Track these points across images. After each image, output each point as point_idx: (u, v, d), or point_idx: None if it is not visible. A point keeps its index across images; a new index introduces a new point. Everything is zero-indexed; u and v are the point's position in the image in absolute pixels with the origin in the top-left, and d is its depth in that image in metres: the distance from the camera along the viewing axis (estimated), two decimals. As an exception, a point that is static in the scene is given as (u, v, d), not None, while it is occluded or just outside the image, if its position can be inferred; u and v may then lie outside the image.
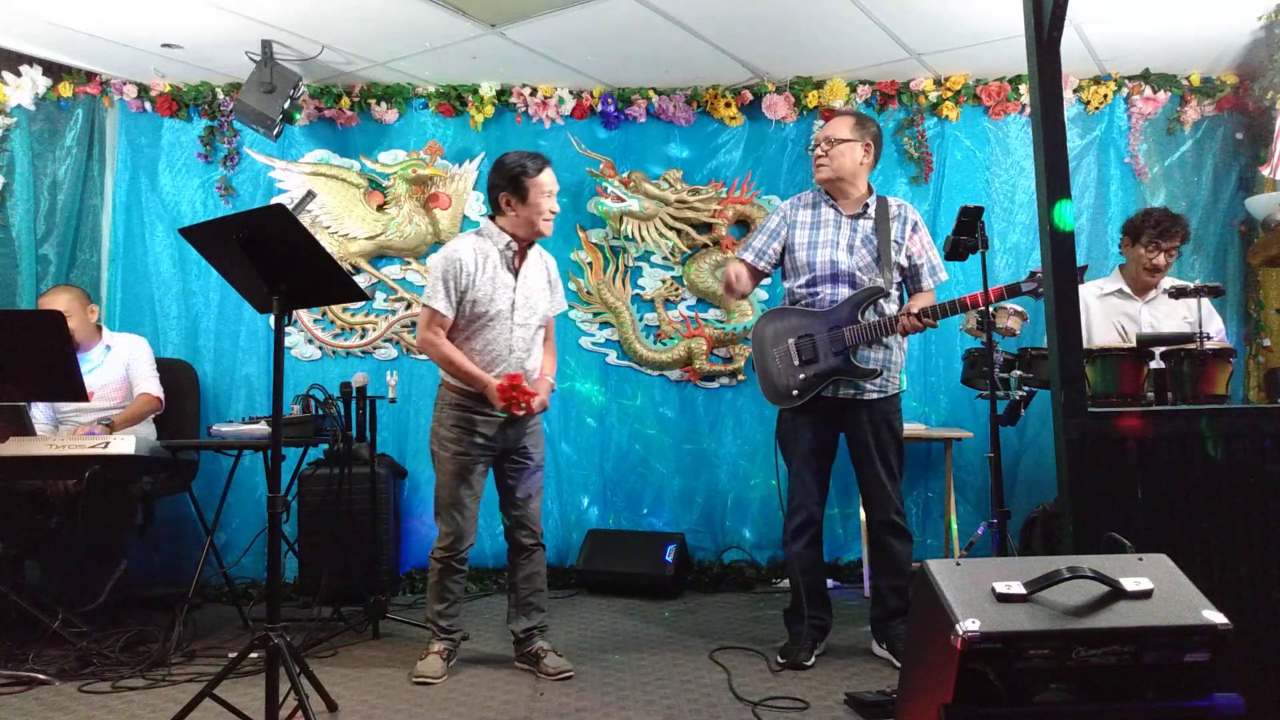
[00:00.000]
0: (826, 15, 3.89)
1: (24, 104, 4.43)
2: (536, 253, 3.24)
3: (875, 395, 3.21)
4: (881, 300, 3.18)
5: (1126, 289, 3.71)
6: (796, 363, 3.18)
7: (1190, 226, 3.75)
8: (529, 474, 3.26)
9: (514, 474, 3.24)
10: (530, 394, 3.06)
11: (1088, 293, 3.72)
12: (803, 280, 3.26)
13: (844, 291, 3.20)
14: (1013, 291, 2.96)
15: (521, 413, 3.05)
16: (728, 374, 4.71)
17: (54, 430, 4.05)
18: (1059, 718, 1.65)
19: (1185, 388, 2.64)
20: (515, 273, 3.15)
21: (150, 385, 4.11)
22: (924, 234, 3.32)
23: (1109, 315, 3.70)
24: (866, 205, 3.28)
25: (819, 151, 3.27)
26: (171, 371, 4.32)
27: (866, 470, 3.24)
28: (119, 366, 4.11)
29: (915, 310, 3.07)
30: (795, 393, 3.19)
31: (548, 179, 3.09)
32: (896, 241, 3.24)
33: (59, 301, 3.92)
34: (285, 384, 2.57)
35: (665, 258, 4.73)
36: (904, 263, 3.26)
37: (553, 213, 3.12)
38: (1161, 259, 3.61)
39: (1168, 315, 3.62)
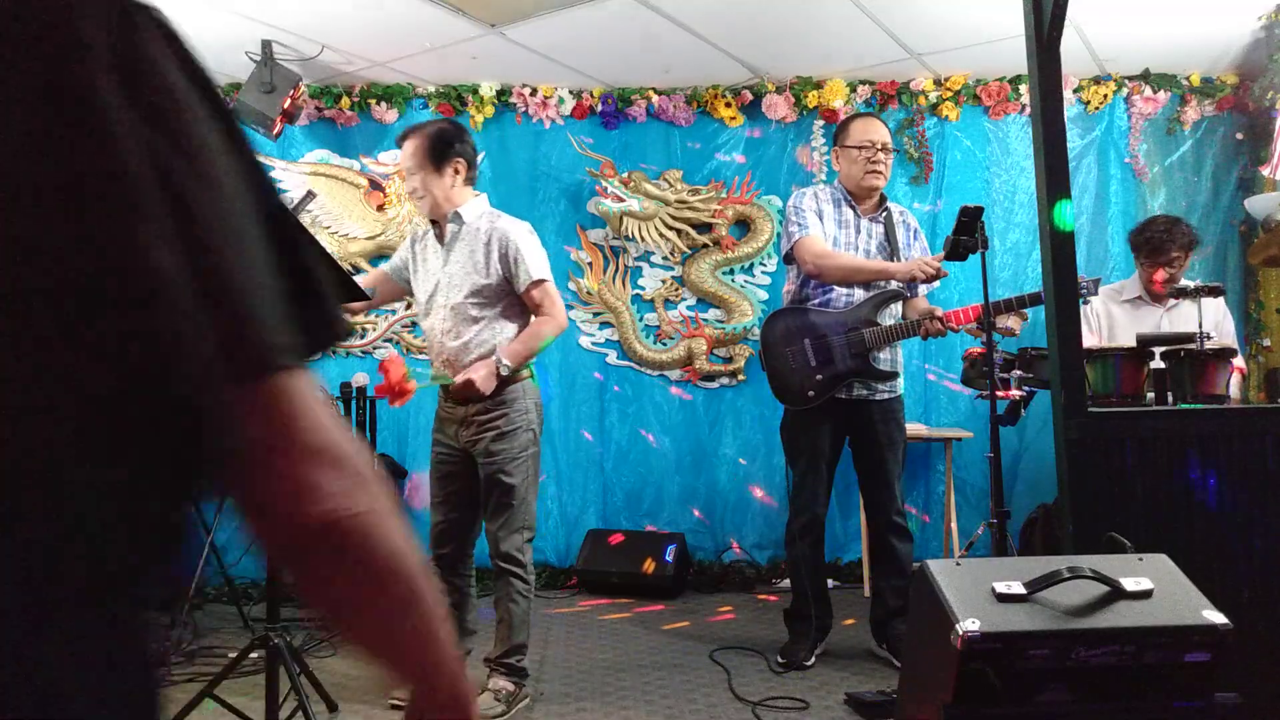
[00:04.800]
0: (826, 15, 3.89)
1: (24, 104, 4.42)
2: (472, 229, 2.83)
3: (886, 395, 3.22)
4: (894, 303, 3.19)
5: (1144, 296, 3.65)
6: (813, 364, 3.16)
7: (1192, 227, 3.66)
8: (496, 497, 2.79)
9: (486, 489, 2.82)
10: (393, 388, 2.68)
11: (1108, 299, 3.64)
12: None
13: (859, 293, 3.19)
14: (1035, 300, 2.97)
15: (395, 401, 2.73)
16: (728, 374, 4.71)
17: None
18: (1059, 718, 1.65)
19: (1185, 388, 2.64)
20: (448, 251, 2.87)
21: None
22: (923, 240, 3.35)
23: (1133, 323, 3.62)
24: (884, 210, 3.28)
25: (880, 158, 3.20)
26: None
27: (874, 470, 3.23)
28: None
29: (940, 314, 3.09)
30: (811, 394, 3.17)
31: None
32: (905, 246, 3.26)
33: None
34: (285, 384, 2.55)
35: (665, 258, 4.73)
36: None
37: (411, 192, 2.89)
38: (1162, 274, 3.50)
39: (1188, 320, 3.54)
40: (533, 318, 2.86)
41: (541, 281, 2.80)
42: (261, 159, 0.60)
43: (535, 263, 2.81)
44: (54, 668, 0.49)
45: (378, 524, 0.56)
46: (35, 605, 0.48)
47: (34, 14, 0.49)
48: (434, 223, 2.91)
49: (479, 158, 4.59)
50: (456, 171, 2.84)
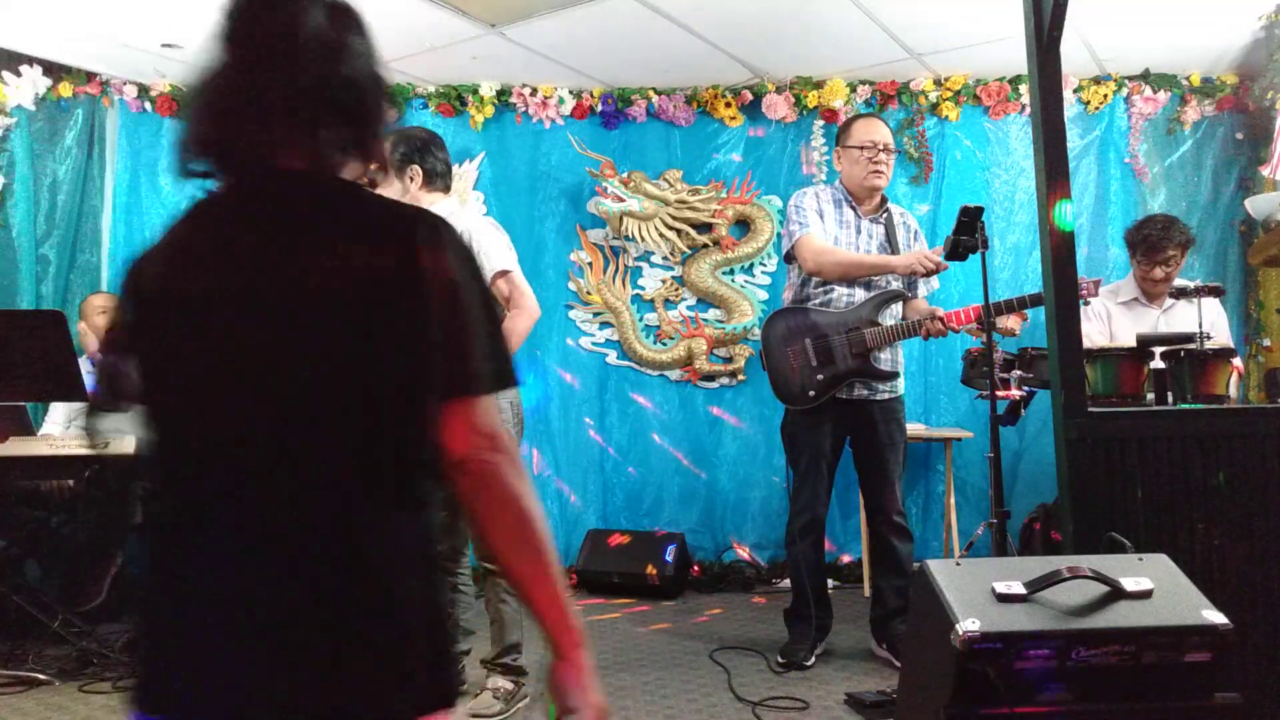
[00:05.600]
0: (826, 15, 3.89)
1: (24, 104, 4.43)
2: None
3: (887, 395, 3.22)
4: (895, 303, 3.20)
5: (1141, 298, 3.64)
6: (814, 364, 3.17)
7: (1190, 227, 3.66)
8: None
9: None
10: None
11: (1106, 300, 3.62)
12: (819, 279, 3.24)
13: (860, 293, 3.20)
14: (1035, 300, 2.97)
15: None
16: (728, 374, 4.71)
17: (65, 429, 4.06)
18: (1059, 718, 1.65)
19: (1185, 388, 2.63)
20: None
21: None
22: (923, 242, 3.35)
23: (1130, 325, 3.62)
24: (885, 211, 3.28)
25: (882, 159, 3.21)
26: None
27: (875, 470, 3.23)
28: None
29: (941, 315, 3.10)
30: (812, 394, 3.17)
31: None
32: (905, 247, 3.26)
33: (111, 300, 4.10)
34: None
35: (665, 258, 4.73)
36: None
37: None
38: (1158, 272, 3.49)
39: (1184, 322, 3.53)
40: (505, 313, 2.84)
41: (506, 272, 2.79)
42: (485, 275, 1.12)
43: (496, 254, 2.79)
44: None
45: (513, 476, 1.03)
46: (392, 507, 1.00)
47: (397, 227, 1.02)
48: None
49: (476, 162, 4.67)
50: (411, 179, 2.85)
